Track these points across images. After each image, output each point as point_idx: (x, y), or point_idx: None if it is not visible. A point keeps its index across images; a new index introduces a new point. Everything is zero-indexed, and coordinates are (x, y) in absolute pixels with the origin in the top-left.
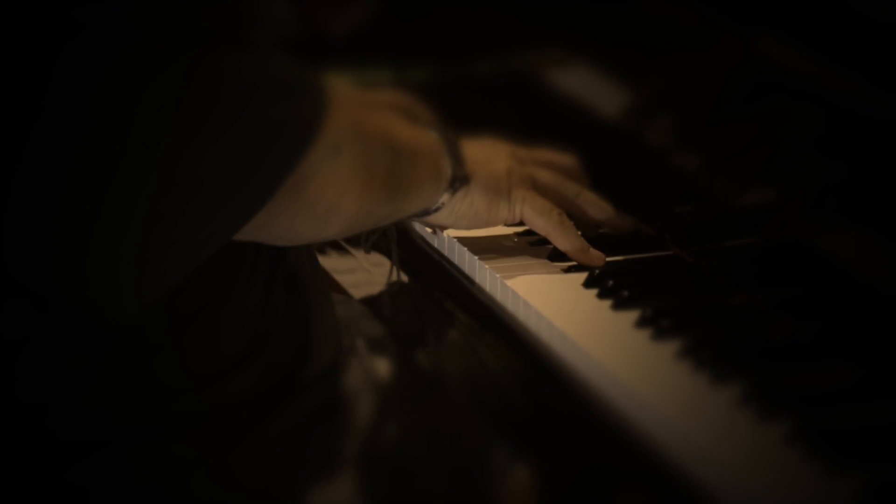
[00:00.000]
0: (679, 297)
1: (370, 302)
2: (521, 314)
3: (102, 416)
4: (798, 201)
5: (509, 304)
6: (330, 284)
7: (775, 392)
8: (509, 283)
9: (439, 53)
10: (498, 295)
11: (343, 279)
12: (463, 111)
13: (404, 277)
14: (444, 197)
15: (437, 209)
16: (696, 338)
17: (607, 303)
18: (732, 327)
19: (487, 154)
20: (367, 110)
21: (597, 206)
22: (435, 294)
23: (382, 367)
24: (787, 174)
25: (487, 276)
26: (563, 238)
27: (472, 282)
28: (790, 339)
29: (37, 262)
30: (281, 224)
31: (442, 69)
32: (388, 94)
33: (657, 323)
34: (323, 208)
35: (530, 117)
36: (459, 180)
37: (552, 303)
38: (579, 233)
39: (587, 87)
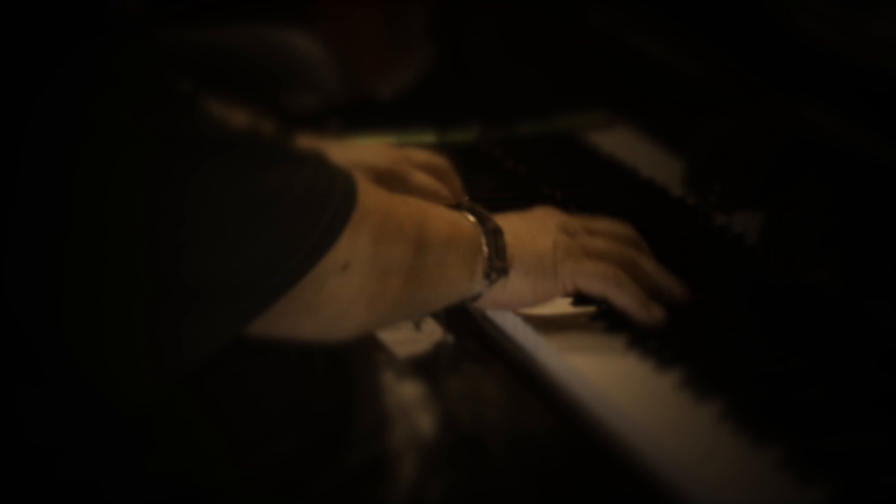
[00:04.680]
0: (721, 358)
1: (414, 360)
2: (561, 373)
3: (146, 484)
4: (836, 261)
5: (550, 364)
6: (373, 342)
7: (813, 456)
8: (550, 342)
9: (483, 115)
10: (539, 355)
11: (387, 337)
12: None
13: (448, 336)
14: (481, 287)
15: (474, 298)
16: (735, 400)
17: (649, 364)
18: (771, 390)
19: (534, 231)
20: (400, 201)
21: (654, 273)
22: (478, 352)
23: (426, 425)
24: (824, 232)
25: (530, 335)
26: (623, 295)
27: (511, 340)
28: (829, 403)
29: (54, 352)
30: (284, 327)
31: (486, 131)
32: (423, 155)
33: (698, 384)
34: (328, 317)
35: (573, 177)
36: (496, 272)
37: (594, 363)
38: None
39: (630, 148)
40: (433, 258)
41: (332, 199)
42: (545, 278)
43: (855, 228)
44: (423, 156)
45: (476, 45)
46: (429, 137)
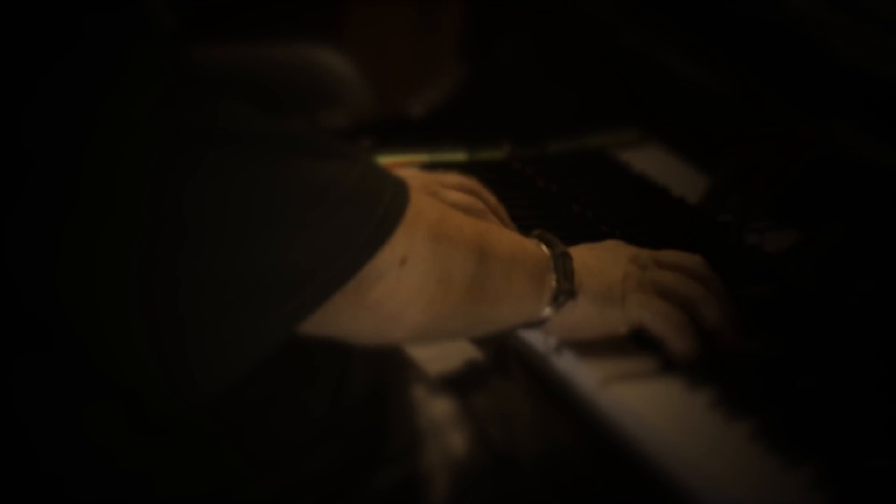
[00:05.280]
0: (752, 378)
1: (444, 377)
2: (593, 392)
3: (174, 501)
4: (868, 286)
5: (583, 383)
6: (404, 359)
7: (845, 478)
8: (583, 362)
9: (515, 133)
10: (572, 374)
11: (417, 354)
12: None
13: (478, 353)
14: (548, 311)
15: (541, 322)
16: (767, 421)
17: (680, 383)
18: (802, 411)
19: (604, 262)
20: (458, 213)
21: (717, 314)
22: (509, 370)
23: (457, 444)
24: (860, 256)
25: (563, 354)
26: (681, 343)
27: (543, 359)
28: (861, 423)
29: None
30: (341, 325)
31: (517, 149)
32: (453, 177)
33: (729, 404)
34: (384, 315)
35: (604, 196)
36: (565, 294)
37: (626, 382)
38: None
39: (661, 167)
40: (497, 271)
41: (385, 193)
42: (613, 307)
43: (885, 250)
44: (454, 178)
45: (507, 63)
46: (460, 155)
